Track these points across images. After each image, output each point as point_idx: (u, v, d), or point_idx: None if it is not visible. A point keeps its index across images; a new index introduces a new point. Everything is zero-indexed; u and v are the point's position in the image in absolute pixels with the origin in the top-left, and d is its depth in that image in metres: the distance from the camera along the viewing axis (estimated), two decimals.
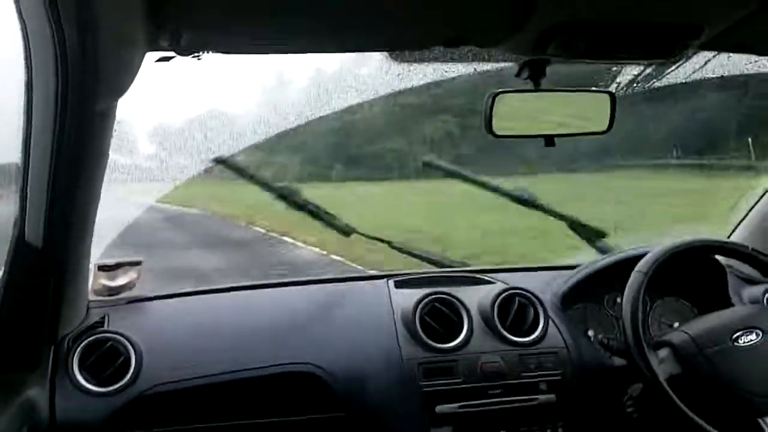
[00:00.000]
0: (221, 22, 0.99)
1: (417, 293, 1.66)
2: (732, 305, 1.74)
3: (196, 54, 1.03)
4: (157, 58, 1.05)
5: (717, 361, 1.38)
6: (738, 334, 1.41)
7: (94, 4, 0.86)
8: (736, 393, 1.35)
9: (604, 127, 1.42)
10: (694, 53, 1.35)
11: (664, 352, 1.45)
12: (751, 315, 1.50)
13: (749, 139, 6.81)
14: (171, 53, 1.03)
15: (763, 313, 1.53)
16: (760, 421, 1.31)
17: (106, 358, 1.48)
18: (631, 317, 1.44)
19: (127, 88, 1.07)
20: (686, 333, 1.44)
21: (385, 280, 1.82)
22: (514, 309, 1.66)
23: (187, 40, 1.00)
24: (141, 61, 1.04)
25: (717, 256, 1.80)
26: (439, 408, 1.54)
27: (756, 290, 1.83)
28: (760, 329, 1.41)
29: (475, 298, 1.69)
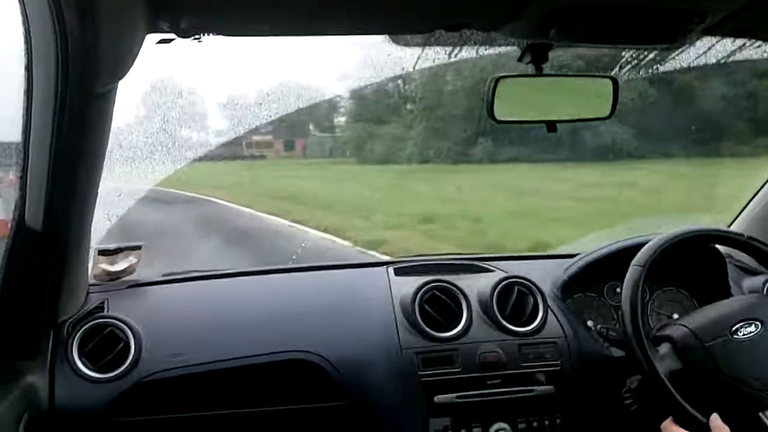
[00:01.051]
0: (221, 4, 0.98)
1: (416, 281, 1.65)
2: (731, 296, 1.73)
3: (196, 36, 1.03)
4: (157, 40, 1.05)
5: (717, 354, 1.36)
6: (737, 325, 1.38)
7: None
8: (735, 387, 1.33)
9: (607, 112, 1.42)
10: (698, 38, 1.34)
11: (664, 348, 1.43)
12: (750, 306, 1.47)
13: None
14: (171, 35, 1.03)
15: (762, 303, 1.51)
16: (761, 415, 1.30)
17: (106, 344, 1.47)
18: (630, 311, 1.42)
19: (128, 70, 1.06)
20: (686, 327, 1.43)
21: (385, 267, 1.82)
22: (513, 298, 1.65)
23: (188, 23, 1.00)
24: (141, 43, 1.04)
25: (718, 246, 1.80)
26: (437, 398, 1.54)
27: (756, 280, 1.81)
28: (759, 320, 1.39)
29: (474, 286, 1.69)
